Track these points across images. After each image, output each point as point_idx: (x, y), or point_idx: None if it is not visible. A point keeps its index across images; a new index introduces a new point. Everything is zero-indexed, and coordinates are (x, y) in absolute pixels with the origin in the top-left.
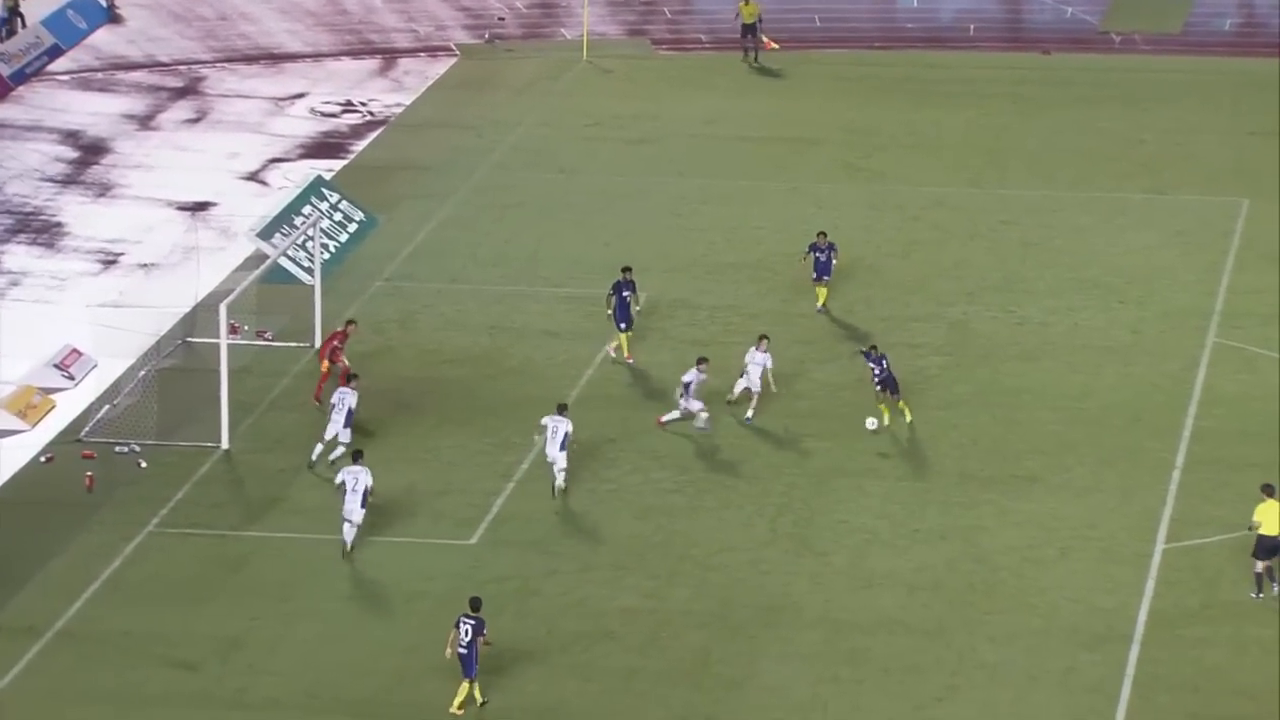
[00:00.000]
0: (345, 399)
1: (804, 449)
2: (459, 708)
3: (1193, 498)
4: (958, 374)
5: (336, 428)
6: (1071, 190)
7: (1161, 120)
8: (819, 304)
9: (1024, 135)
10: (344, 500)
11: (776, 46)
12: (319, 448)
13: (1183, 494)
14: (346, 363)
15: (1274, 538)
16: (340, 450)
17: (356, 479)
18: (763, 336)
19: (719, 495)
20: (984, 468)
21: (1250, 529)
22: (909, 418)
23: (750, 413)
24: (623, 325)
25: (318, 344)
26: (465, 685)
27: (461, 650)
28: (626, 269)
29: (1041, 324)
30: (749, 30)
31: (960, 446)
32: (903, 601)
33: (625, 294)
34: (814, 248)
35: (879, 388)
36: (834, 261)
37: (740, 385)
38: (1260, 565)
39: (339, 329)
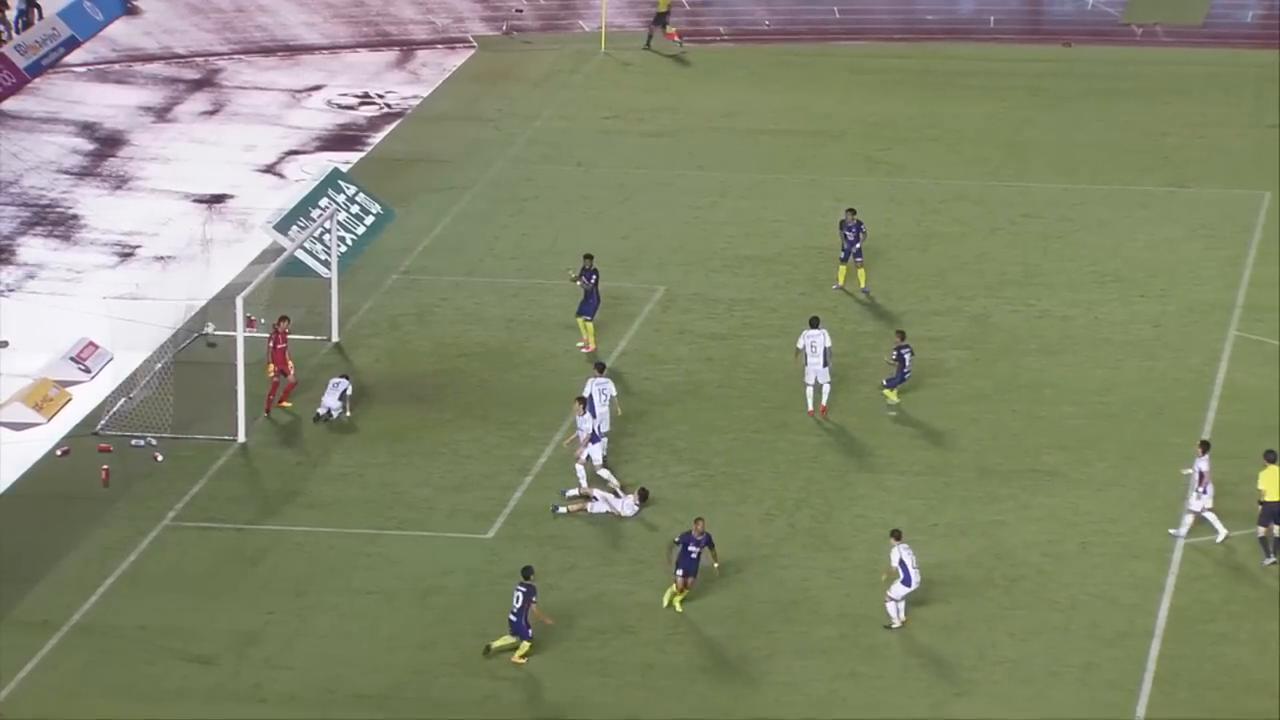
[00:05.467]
0: (606, 388)
1: (823, 443)
2: (522, 659)
3: (1214, 493)
4: (978, 368)
5: (603, 423)
6: (1092, 183)
7: (1183, 113)
8: (836, 282)
9: (1045, 128)
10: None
11: (679, 40)
12: (595, 449)
13: None
14: (290, 366)
15: (1276, 503)
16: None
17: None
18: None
19: (737, 490)
20: (1004, 462)
21: (1260, 502)
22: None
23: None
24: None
25: (334, 337)
26: (525, 645)
27: (511, 617)
28: (588, 256)
29: (1062, 318)
30: (662, 19)
31: (980, 441)
32: (922, 597)
33: (580, 280)
34: (842, 224)
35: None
36: (862, 240)
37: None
38: (1262, 530)
39: (276, 329)
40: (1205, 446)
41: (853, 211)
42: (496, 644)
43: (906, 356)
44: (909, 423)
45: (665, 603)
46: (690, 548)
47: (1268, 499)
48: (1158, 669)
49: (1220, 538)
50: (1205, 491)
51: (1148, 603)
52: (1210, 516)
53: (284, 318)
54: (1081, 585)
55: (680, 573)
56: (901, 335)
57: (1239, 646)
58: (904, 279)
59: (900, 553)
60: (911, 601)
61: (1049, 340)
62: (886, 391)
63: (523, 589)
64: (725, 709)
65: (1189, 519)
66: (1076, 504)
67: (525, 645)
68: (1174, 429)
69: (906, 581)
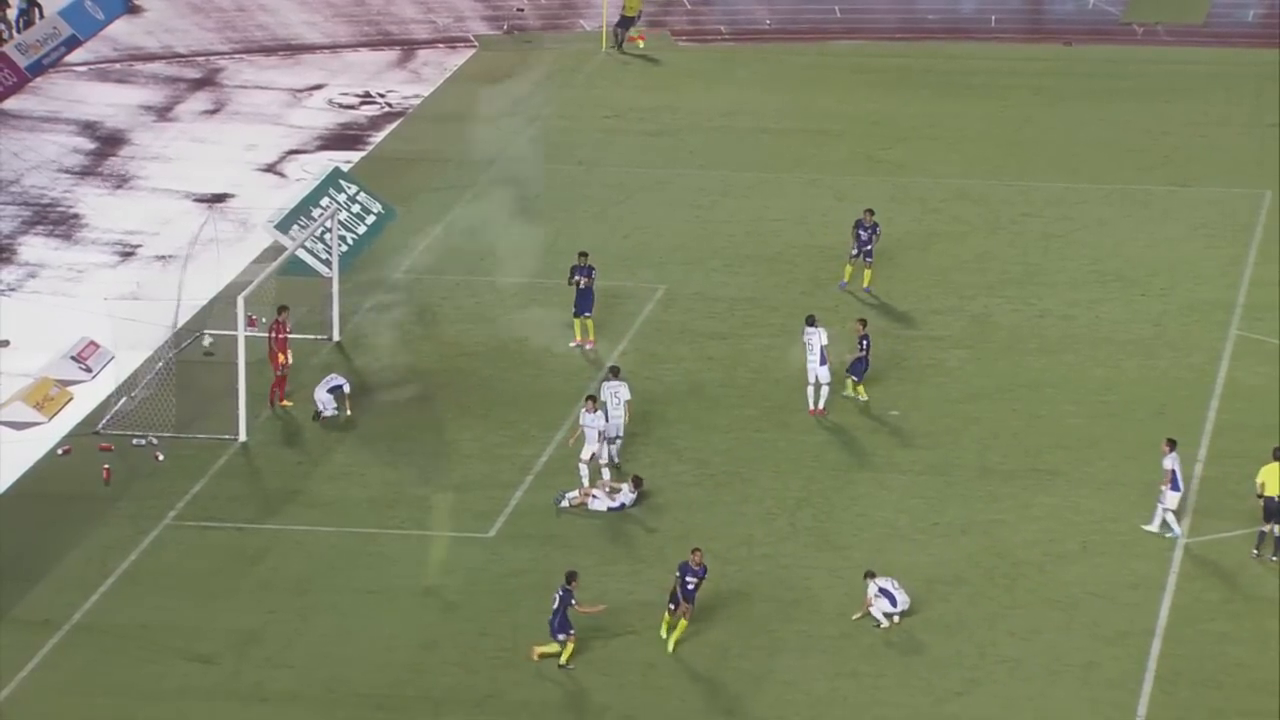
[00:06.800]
0: (620, 392)
1: (824, 443)
2: (538, 656)
3: (1215, 492)
4: (979, 367)
5: (617, 427)
6: (1093, 182)
7: (1184, 112)
8: (843, 280)
9: (1046, 127)
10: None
11: (642, 44)
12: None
13: (1205, 488)
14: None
15: (1275, 499)
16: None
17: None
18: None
19: (738, 489)
20: (1005, 461)
21: (1259, 496)
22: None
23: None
24: (582, 311)
25: (335, 337)
26: (556, 647)
27: (551, 618)
28: (583, 254)
29: (1063, 317)
30: (628, 22)
31: (981, 440)
32: (922, 596)
33: (578, 278)
34: (858, 224)
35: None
36: (874, 242)
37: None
38: (1266, 528)
39: (277, 319)
40: (1172, 444)
41: (871, 212)
42: (564, 660)
43: (867, 344)
44: (909, 422)
45: (670, 648)
46: (688, 579)
47: (1268, 494)
48: (1159, 668)
49: (1153, 528)
50: (1175, 488)
51: (1149, 601)
52: (1160, 515)
53: (284, 308)
54: (1082, 584)
55: (673, 608)
56: (863, 323)
57: (1240, 645)
58: (905, 278)
59: (877, 584)
60: (909, 601)
61: (1050, 339)
62: (856, 386)
63: (560, 592)
64: (726, 708)
65: (1173, 518)
66: (1077, 503)
67: (556, 647)
68: (1175, 428)
69: (893, 602)
